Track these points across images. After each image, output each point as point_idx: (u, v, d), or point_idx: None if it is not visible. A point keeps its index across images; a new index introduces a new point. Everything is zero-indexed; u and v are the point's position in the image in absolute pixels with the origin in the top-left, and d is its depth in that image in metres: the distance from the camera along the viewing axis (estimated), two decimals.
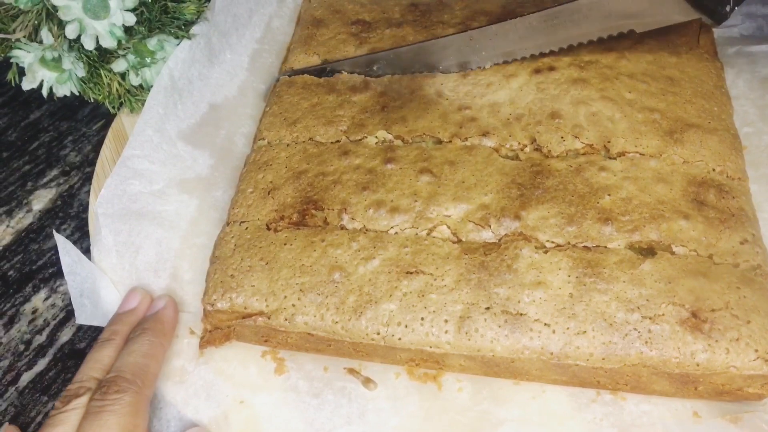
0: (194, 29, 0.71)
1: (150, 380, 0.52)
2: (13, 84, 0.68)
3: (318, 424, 0.53)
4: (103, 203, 0.62)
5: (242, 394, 0.55)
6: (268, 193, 0.60)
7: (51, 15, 0.65)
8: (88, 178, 0.77)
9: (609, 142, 0.61)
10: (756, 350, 0.48)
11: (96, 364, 0.52)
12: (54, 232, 0.60)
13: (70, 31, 0.63)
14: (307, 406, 0.54)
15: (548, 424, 0.52)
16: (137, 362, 0.52)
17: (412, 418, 0.53)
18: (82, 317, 0.59)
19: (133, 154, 0.65)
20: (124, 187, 0.64)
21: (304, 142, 0.65)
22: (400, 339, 0.52)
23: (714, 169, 0.59)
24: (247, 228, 0.59)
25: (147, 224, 0.63)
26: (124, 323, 0.56)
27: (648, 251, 0.54)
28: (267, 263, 0.55)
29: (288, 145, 0.65)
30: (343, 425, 0.53)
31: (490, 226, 0.56)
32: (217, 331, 0.57)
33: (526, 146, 0.62)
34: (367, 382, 0.56)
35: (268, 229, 0.58)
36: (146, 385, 0.51)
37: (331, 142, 0.64)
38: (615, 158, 0.60)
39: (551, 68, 0.67)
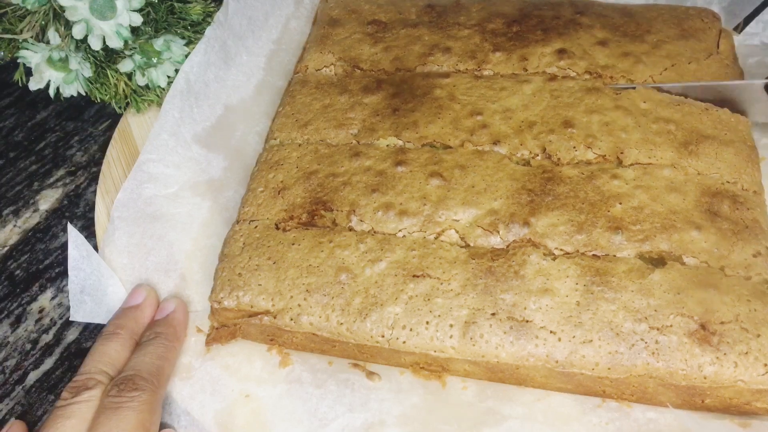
0: (208, 32, 0.71)
1: (164, 381, 0.53)
2: (20, 84, 0.68)
3: (320, 413, 0.54)
4: (119, 207, 0.63)
5: (247, 388, 0.56)
6: (279, 193, 0.61)
7: (58, 15, 0.65)
8: (94, 178, 0.77)
9: (622, 153, 0.60)
10: (765, 365, 0.48)
11: (103, 357, 0.53)
12: (68, 224, 0.60)
13: (77, 32, 0.64)
14: (310, 396, 0.55)
15: (553, 424, 0.52)
16: (153, 363, 0.53)
17: (415, 408, 0.54)
18: (79, 314, 0.59)
19: (148, 159, 0.66)
20: (140, 191, 0.65)
21: (315, 143, 0.65)
22: (404, 342, 0.52)
23: (729, 181, 0.58)
24: (256, 227, 0.59)
25: (160, 227, 0.64)
26: (128, 318, 0.57)
27: (658, 261, 0.53)
28: (275, 262, 0.56)
29: (300, 145, 0.65)
30: (345, 413, 0.54)
31: (498, 232, 0.56)
32: (224, 329, 0.57)
33: (537, 155, 0.61)
34: (370, 375, 0.56)
35: (277, 228, 0.58)
36: (161, 386, 0.52)
37: (342, 144, 0.64)
38: (628, 166, 0.59)
39: (566, 74, 0.67)
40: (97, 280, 0.60)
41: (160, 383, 0.52)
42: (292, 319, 0.53)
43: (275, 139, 0.66)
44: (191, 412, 0.54)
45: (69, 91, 0.69)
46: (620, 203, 0.56)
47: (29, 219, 0.75)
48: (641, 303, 0.51)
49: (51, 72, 0.67)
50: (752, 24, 0.74)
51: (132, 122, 0.73)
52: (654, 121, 0.62)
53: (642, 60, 0.67)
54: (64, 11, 0.63)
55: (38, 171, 0.79)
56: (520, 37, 0.70)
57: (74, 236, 0.59)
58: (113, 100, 0.71)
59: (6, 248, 0.72)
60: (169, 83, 0.71)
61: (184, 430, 0.54)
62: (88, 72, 0.67)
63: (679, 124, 0.61)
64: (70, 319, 0.59)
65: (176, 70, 0.72)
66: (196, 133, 0.70)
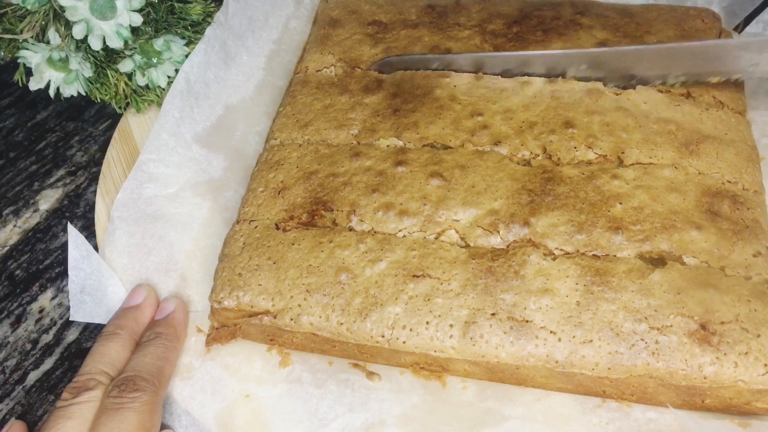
0: (208, 32, 0.71)
1: (164, 382, 0.53)
2: (20, 84, 0.68)
3: (320, 413, 0.54)
4: (119, 207, 0.63)
5: (248, 388, 0.56)
6: (279, 193, 0.61)
7: (58, 15, 0.65)
8: (94, 178, 0.77)
9: (623, 153, 0.60)
10: (765, 365, 0.48)
11: (103, 357, 0.53)
12: (68, 224, 0.60)
13: (77, 32, 0.64)
14: (310, 396, 0.55)
15: (553, 424, 0.52)
16: (154, 364, 0.53)
17: (415, 409, 0.54)
18: (79, 314, 0.59)
19: (149, 159, 0.66)
20: (140, 191, 0.65)
21: (315, 143, 0.65)
22: (404, 342, 0.52)
23: (729, 181, 0.58)
24: (256, 227, 0.59)
25: (160, 227, 0.64)
26: (128, 318, 0.57)
27: (658, 261, 0.53)
28: (275, 263, 0.56)
29: (300, 145, 0.65)
30: (345, 413, 0.54)
31: (498, 232, 0.56)
32: (224, 329, 0.57)
33: (538, 155, 0.61)
34: (370, 375, 0.56)
35: (277, 228, 0.58)
36: (161, 386, 0.52)
37: (343, 144, 0.64)
38: (628, 166, 0.59)
39: (565, 74, 0.66)
40: (97, 280, 0.60)
41: (160, 384, 0.52)
42: (292, 319, 0.53)
43: (276, 139, 0.66)
44: (191, 412, 0.54)
45: (69, 91, 0.69)
46: (620, 203, 0.56)
47: (29, 219, 0.75)
48: (641, 303, 0.51)
49: (51, 72, 0.67)
50: (752, 24, 0.74)
51: (132, 122, 0.73)
52: (655, 121, 0.62)
53: None
54: (64, 11, 0.63)
55: (38, 171, 0.79)
56: (520, 38, 0.71)
57: (74, 236, 0.59)
58: (113, 100, 0.71)
59: (6, 248, 0.73)
60: (169, 83, 0.72)
61: (185, 429, 0.54)
62: (88, 72, 0.68)
63: (680, 124, 0.61)
64: (70, 319, 0.59)
65: (176, 70, 0.72)
66: (197, 133, 0.70)
